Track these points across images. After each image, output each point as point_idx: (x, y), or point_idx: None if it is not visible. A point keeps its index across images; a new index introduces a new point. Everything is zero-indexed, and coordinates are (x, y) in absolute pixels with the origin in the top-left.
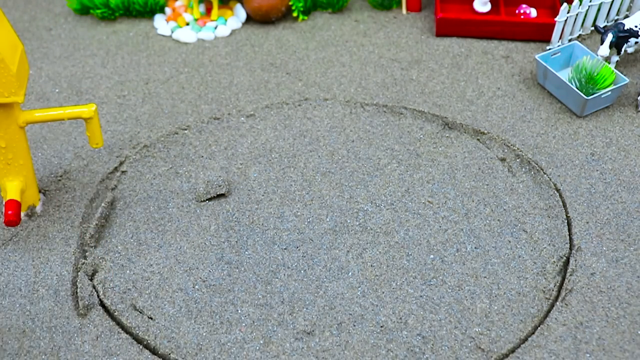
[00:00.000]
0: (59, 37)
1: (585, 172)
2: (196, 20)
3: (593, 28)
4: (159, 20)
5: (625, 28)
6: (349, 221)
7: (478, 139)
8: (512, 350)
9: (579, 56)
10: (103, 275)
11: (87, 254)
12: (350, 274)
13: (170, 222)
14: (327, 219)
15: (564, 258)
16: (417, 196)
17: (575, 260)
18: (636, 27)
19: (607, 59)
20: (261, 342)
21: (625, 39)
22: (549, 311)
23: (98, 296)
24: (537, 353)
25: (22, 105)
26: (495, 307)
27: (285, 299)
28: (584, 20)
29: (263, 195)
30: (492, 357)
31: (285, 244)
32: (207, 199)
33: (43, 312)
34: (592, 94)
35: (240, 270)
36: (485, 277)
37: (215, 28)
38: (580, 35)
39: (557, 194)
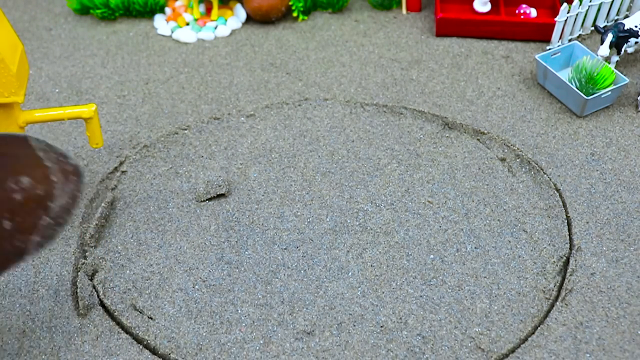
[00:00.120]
0: (59, 37)
1: (585, 172)
2: (196, 20)
3: (593, 28)
4: (159, 20)
5: (625, 28)
6: (349, 221)
7: (478, 139)
8: (512, 350)
9: (579, 56)
10: (103, 275)
11: (87, 254)
12: (350, 274)
13: (170, 222)
14: (327, 219)
15: (564, 258)
16: (417, 196)
17: (575, 260)
18: (636, 27)
19: (607, 59)
20: (261, 342)
21: (625, 39)
22: (549, 311)
23: (98, 296)
24: (537, 353)
25: (22, 105)
26: (495, 307)
27: (285, 299)
28: (584, 20)
29: (263, 195)
30: (492, 357)
31: (285, 244)
32: (207, 199)
33: (43, 312)
34: (592, 94)
35: (240, 270)
36: (485, 277)
37: (215, 28)
38: (580, 35)
39: (557, 194)
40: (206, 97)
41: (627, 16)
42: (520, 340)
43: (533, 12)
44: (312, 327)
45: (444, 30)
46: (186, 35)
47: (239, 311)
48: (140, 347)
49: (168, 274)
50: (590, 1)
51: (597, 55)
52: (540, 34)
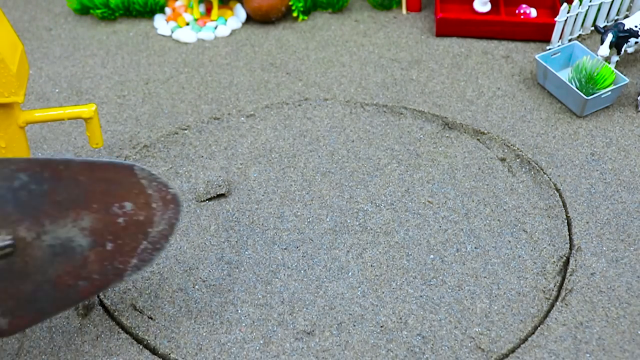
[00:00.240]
0: (59, 37)
1: (585, 172)
2: (196, 20)
3: (593, 28)
4: (159, 20)
5: (625, 28)
6: (349, 221)
7: (478, 139)
8: (512, 350)
9: (579, 56)
10: None
11: None
12: (350, 274)
13: None
14: (327, 219)
15: (564, 258)
16: (417, 196)
17: (575, 260)
18: (636, 27)
19: (607, 59)
20: (261, 342)
21: (625, 39)
22: (549, 311)
23: (98, 296)
24: (537, 353)
25: (22, 105)
26: (495, 307)
27: (285, 299)
28: (584, 20)
29: (263, 195)
30: (492, 357)
31: (285, 244)
32: (207, 199)
33: None
34: (592, 94)
35: (240, 270)
36: (485, 277)
37: (215, 28)
38: (580, 35)
39: (557, 194)
40: (206, 97)
41: (627, 16)
42: (520, 340)
43: (533, 12)
44: (312, 327)
45: (444, 30)
46: (186, 35)
47: (239, 311)
48: (140, 347)
49: (168, 274)
50: (590, 1)
51: (597, 55)
52: (540, 34)
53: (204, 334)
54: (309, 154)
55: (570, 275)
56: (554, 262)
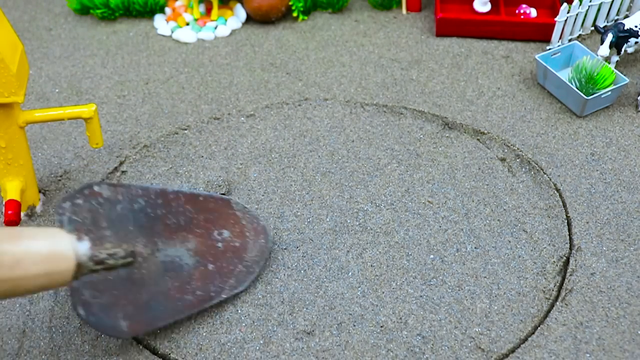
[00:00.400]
0: (59, 37)
1: (585, 172)
2: (196, 20)
3: (593, 28)
4: (159, 20)
5: (625, 28)
6: (349, 221)
7: (478, 139)
8: (512, 350)
9: (579, 56)
10: None
11: None
12: (350, 274)
13: None
14: (327, 219)
15: (564, 258)
16: (417, 196)
17: (575, 260)
18: (636, 27)
19: (607, 59)
20: (261, 342)
21: (625, 39)
22: (549, 311)
23: None
24: (537, 353)
25: (22, 105)
26: (495, 307)
27: (285, 299)
28: (584, 20)
29: (263, 195)
30: (492, 357)
31: (285, 244)
32: None
33: (43, 312)
34: (592, 94)
35: None
36: (485, 277)
37: (215, 28)
38: (580, 35)
39: (557, 194)
40: (206, 97)
41: (627, 16)
42: (520, 340)
43: (533, 12)
44: (312, 327)
45: (444, 30)
46: (186, 35)
47: (239, 311)
48: (140, 347)
49: None
50: (590, 1)
51: (597, 55)
52: (540, 34)
53: (204, 334)
54: (309, 154)
55: (570, 275)
56: (554, 262)
